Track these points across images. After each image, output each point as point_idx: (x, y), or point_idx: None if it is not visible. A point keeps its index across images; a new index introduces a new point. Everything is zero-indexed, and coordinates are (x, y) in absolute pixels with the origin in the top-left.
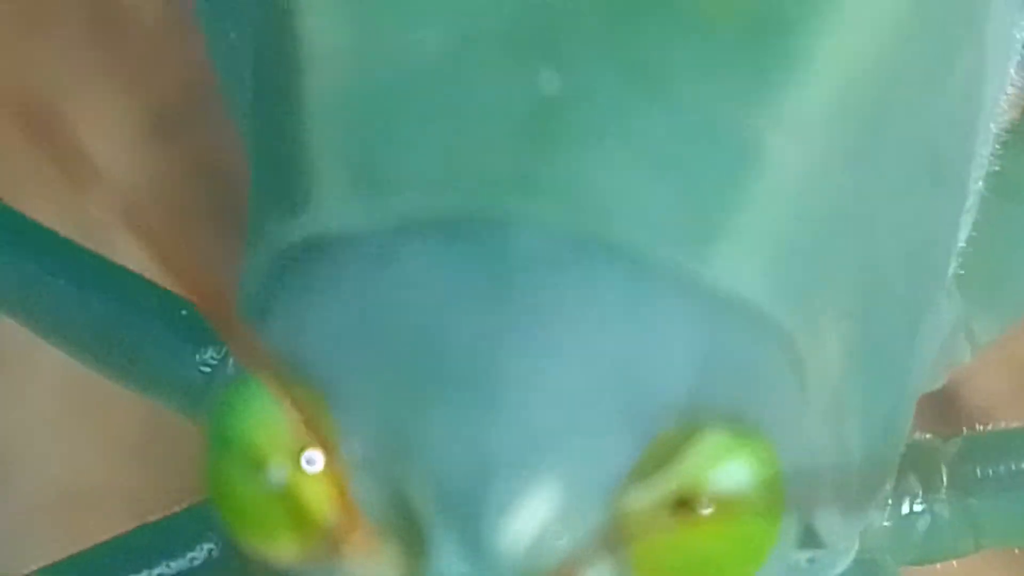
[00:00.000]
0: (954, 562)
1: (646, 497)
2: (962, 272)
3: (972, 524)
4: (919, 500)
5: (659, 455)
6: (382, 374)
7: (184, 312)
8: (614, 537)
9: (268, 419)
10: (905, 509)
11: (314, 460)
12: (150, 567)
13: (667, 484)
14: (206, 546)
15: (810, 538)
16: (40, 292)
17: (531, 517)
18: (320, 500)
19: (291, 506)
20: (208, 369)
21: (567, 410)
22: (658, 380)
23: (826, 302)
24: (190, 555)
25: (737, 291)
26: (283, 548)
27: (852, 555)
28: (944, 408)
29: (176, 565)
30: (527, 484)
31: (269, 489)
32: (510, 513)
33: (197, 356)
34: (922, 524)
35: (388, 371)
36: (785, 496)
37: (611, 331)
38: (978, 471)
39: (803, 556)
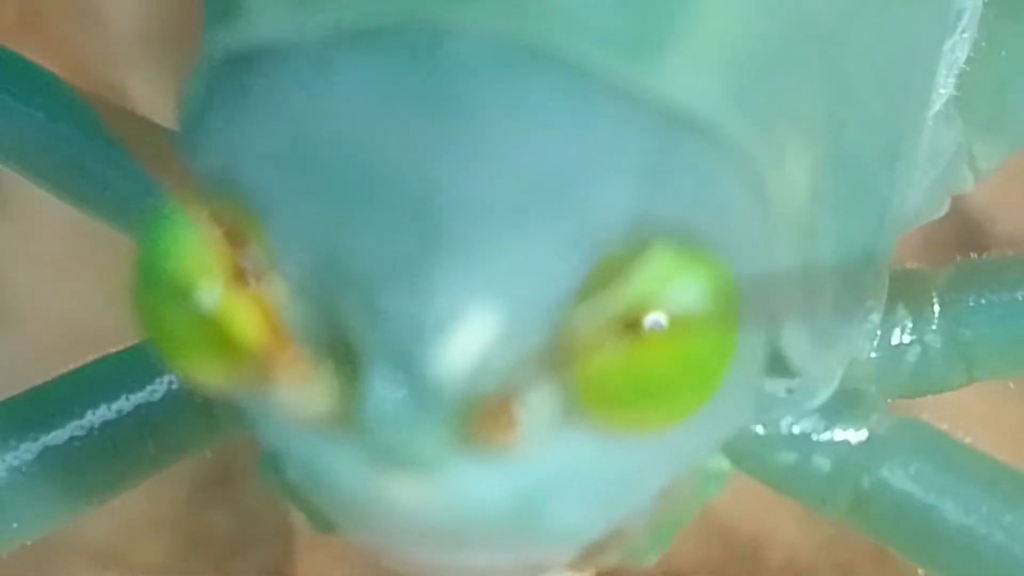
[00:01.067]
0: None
1: (592, 317)
2: (960, 94)
3: (964, 355)
4: (909, 331)
5: (605, 274)
6: (314, 193)
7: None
8: (559, 360)
9: (193, 241)
10: (894, 340)
11: (243, 283)
12: (108, 400)
13: (613, 303)
14: (166, 379)
15: (780, 365)
16: (9, 119)
17: (471, 339)
18: (250, 324)
19: (220, 331)
20: None
21: (507, 228)
22: (604, 196)
23: (789, 118)
24: (149, 388)
25: (688, 103)
26: (214, 375)
27: (834, 385)
28: (971, 238)
29: (135, 398)
30: (466, 304)
31: (196, 313)
32: (448, 334)
33: None
34: (912, 356)
35: (320, 190)
36: (738, 315)
37: (553, 144)
38: (971, 300)
39: (780, 386)
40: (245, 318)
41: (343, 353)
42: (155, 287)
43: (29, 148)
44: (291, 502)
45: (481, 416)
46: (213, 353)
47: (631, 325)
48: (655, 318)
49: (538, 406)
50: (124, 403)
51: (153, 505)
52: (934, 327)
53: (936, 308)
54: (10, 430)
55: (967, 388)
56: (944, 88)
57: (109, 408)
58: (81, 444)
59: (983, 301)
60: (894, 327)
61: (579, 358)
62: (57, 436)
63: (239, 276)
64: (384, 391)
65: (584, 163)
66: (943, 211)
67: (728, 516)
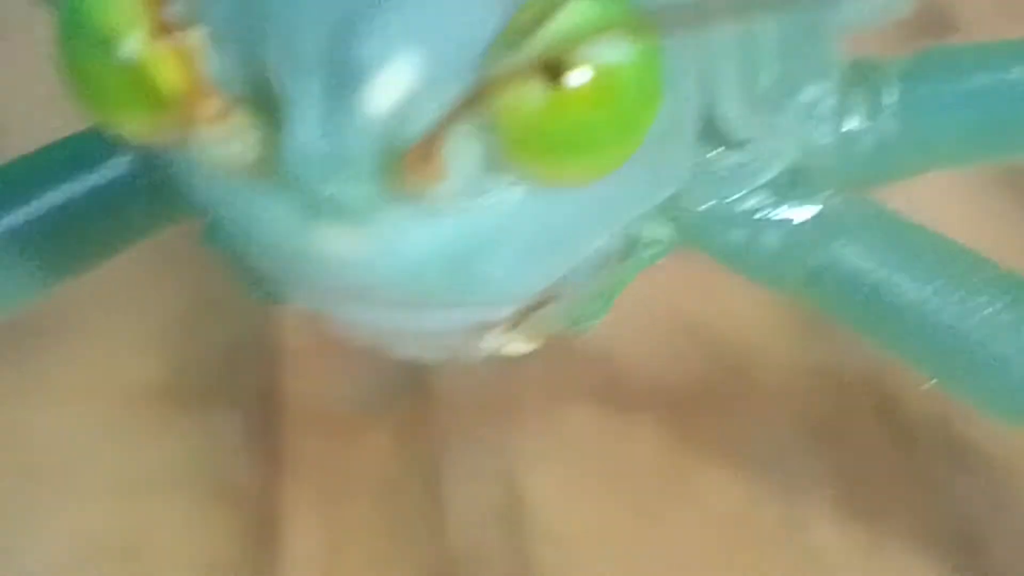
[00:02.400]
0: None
1: (513, 63)
2: None
3: (920, 143)
4: (864, 117)
5: (527, 21)
6: None
7: None
8: (480, 104)
9: None
10: (848, 127)
11: (166, 33)
12: (62, 180)
13: (534, 49)
14: (116, 161)
15: (715, 133)
16: None
17: (393, 80)
18: (172, 72)
19: (143, 79)
20: None
21: None
22: None
23: None
24: (101, 169)
25: None
26: (139, 125)
27: (783, 162)
28: (935, 25)
29: (88, 179)
30: (389, 46)
31: (119, 62)
32: (371, 75)
33: None
34: (866, 143)
35: None
36: (662, 67)
37: None
38: (927, 87)
39: (726, 160)
40: (168, 67)
41: (267, 102)
42: (79, 38)
43: None
44: (232, 270)
45: (406, 163)
46: (138, 103)
47: (554, 72)
48: (577, 65)
49: (463, 154)
50: (77, 185)
51: (141, 327)
52: (890, 114)
53: (892, 95)
54: None
55: (945, 187)
56: None
57: (62, 190)
58: (35, 227)
59: (940, 88)
60: (848, 113)
61: (501, 104)
62: (11, 219)
63: (162, 27)
64: (307, 136)
65: None
66: (911, 6)
67: (717, 331)
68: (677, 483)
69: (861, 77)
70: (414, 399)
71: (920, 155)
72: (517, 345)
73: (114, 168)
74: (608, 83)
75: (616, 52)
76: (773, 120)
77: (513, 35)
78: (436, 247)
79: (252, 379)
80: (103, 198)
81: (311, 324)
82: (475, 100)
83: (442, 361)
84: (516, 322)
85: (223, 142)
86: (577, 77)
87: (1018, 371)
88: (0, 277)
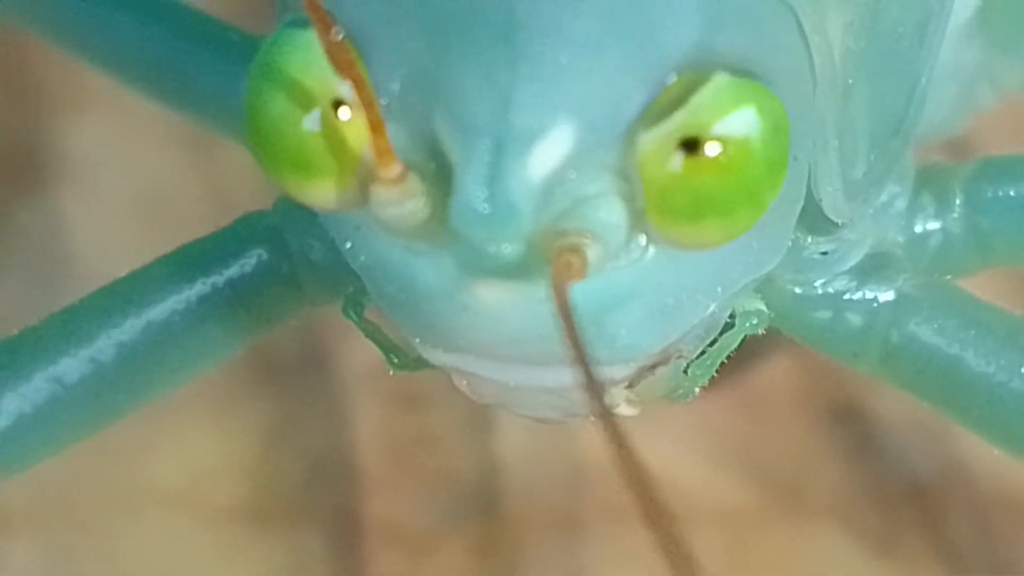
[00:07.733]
0: None
1: (656, 138)
2: (983, 13)
3: (981, 243)
4: (932, 218)
5: (669, 99)
6: (414, 24)
7: (235, 38)
8: (627, 177)
9: (311, 63)
10: (918, 227)
11: (350, 103)
12: (205, 275)
13: (675, 126)
14: (255, 253)
15: (815, 220)
16: (98, 26)
17: (548, 153)
18: (355, 140)
19: (328, 146)
20: None
21: (584, 57)
22: (670, 30)
23: None
24: (241, 262)
25: None
26: (320, 189)
27: (864, 249)
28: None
29: (228, 272)
30: (546, 122)
31: (307, 129)
32: (529, 148)
33: None
34: (933, 242)
35: (420, 21)
36: (788, 144)
37: None
38: (990, 191)
39: (815, 249)
40: (351, 134)
41: (436, 165)
42: (272, 99)
43: (122, 52)
44: (372, 339)
45: (561, 227)
46: (321, 167)
47: (693, 146)
48: (712, 140)
49: (610, 218)
50: (218, 277)
51: (225, 450)
52: (955, 215)
53: (958, 198)
54: (116, 308)
55: None
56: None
57: (205, 283)
58: (181, 317)
59: (1001, 193)
60: (918, 214)
61: (646, 175)
62: (159, 311)
63: (344, 96)
64: (473, 198)
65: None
66: (966, 125)
67: (768, 455)
68: None
69: (929, 181)
70: (487, 516)
71: (980, 254)
72: (624, 408)
73: (251, 259)
74: (739, 154)
75: (750, 125)
76: (862, 211)
77: (656, 112)
78: (581, 304)
79: (332, 499)
80: (243, 288)
81: (387, 444)
82: (620, 173)
83: (558, 420)
84: (631, 382)
85: (398, 204)
86: (712, 148)
87: None
88: (148, 367)
